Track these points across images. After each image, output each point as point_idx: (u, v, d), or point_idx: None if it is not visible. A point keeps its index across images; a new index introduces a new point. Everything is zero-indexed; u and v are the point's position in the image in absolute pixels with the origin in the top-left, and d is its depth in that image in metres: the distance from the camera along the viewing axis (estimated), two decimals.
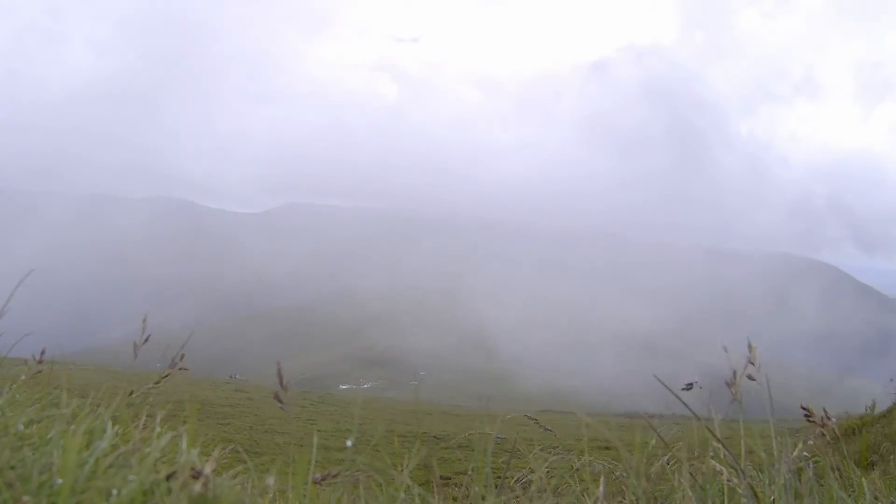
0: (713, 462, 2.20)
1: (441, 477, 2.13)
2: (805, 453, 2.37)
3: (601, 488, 2.26)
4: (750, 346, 2.24)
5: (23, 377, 2.61)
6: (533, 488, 2.24)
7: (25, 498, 1.55)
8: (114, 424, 2.00)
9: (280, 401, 2.20)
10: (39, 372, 2.74)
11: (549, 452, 3.42)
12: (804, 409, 2.42)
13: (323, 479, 2.10)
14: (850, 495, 2.22)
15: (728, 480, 2.13)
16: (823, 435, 2.38)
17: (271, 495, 2.02)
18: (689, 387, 2.39)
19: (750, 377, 2.22)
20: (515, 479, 2.85)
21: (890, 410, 9.09)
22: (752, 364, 2.22)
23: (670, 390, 2.46)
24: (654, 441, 2.53)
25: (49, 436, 1.89)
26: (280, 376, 2.18)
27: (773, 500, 2.10)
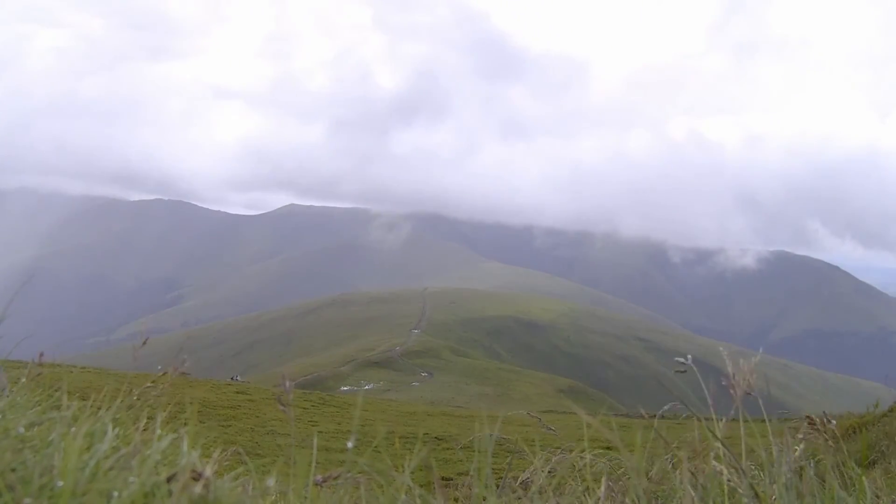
0: (714, 462, 2.20)
1: (442, 478, 2.13)
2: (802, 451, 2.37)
3: (602, 488, 2.26)
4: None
5: (23, 380, 2.61)
6: (534, 488, 2.24)
7: (27, 500, 1.55)
8: (114, 427, 2.00)
9: (283, 403, 2.20)
10: (40, 374, 2.74)
11: (551, 452, 3.42)
12: (809, 417, 2.42)
13: (324, 481, 2.10)
14: (851, 494, 2.22)
15: (729, 480, 2.13)
16: (826, 439, 2.38)
17: (272, 497, 2.02)
18: (683, 370, 2.38)
19: (749, 387, 2.22)
20: (517, 479, 2.85)
21: (891, 409, 9.09)
22: (752, 374, 2.22)
23: (672, 393, 2.46)
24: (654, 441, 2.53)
25: (50, 438, 1.89)
26: (284, 380, 2.18)
27: (775, 499, 2.10)
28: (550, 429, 3.31)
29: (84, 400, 2.22)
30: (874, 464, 5.00)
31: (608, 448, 2.65)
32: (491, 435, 2.14)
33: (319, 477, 2.09)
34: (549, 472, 2.55)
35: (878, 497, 2.29)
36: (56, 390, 2.41)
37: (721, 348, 2.42)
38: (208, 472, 1.68)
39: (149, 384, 2.72)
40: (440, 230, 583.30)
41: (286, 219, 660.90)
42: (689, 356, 2.35)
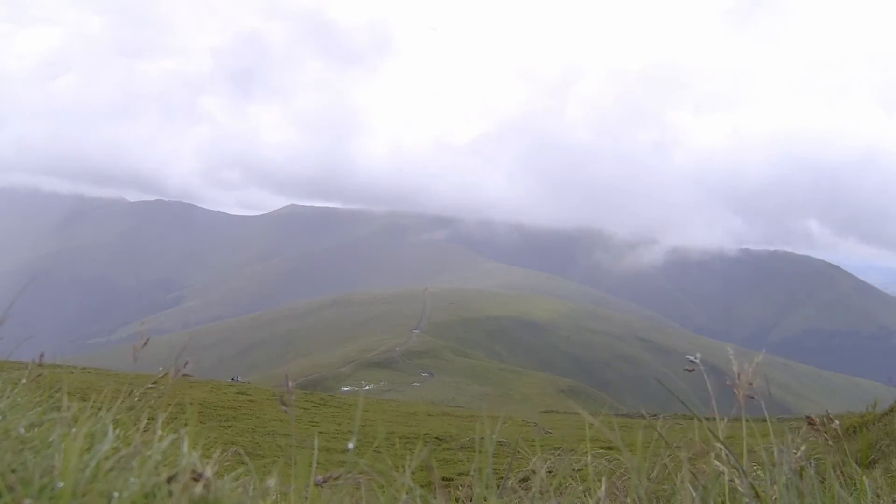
0: (715, 462, 2.19)
1: (443, 478, 2.13)
2: (806, 451, 2.37)
3: (603, 488, 2.25)
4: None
5: (24, 380, 2.61)
6: (535, 489, 2.24)
7: (27, 501, 1.55)
8: (115, 427, 2.00)
9: (284, 403, 2.20)
10: (40, 375, 2.74)
11: (552, 453, 3.42)
12: (808, 417, 2.42)
13: (325, 482, 2.10)
14: (851, 494, 2.22)
15: (730, 480, 2.13)
16: (825, 435, 2.38)
17: (273, 497, 2.02)
18: (692, 370, 2.39)
19: (752, 388, 2.22)
20: (518, 479, 2.84)
21: (891, 409, 9.08)
22: (755, 375, 2.21)
23: (672, 393, 2.46)
24: (656, 441, 2.53)
25: (50, 439, 1.89)
26: (285, 380, 2.18)
27: (775, 499, 2.10)
28: (549, 431, 3.31)
29: (84, 401, 2.22)
30: (875, 463, 5.00)
31: (609, 448, 2.66)
32: (493, 433, 2.14)
33: (320, 477, 2.09)
34: (549, 472, 2.55)
35: (878, 496, 2.29)
36: (56, 391, 2.41)
37: (729, 349, 2.43)
38: (209, 472, 1.68)
39: (150, 385, 2.72)
40: (436, 229, 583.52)
41: (286, 219, 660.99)
42: (699, 355, 2.35)
